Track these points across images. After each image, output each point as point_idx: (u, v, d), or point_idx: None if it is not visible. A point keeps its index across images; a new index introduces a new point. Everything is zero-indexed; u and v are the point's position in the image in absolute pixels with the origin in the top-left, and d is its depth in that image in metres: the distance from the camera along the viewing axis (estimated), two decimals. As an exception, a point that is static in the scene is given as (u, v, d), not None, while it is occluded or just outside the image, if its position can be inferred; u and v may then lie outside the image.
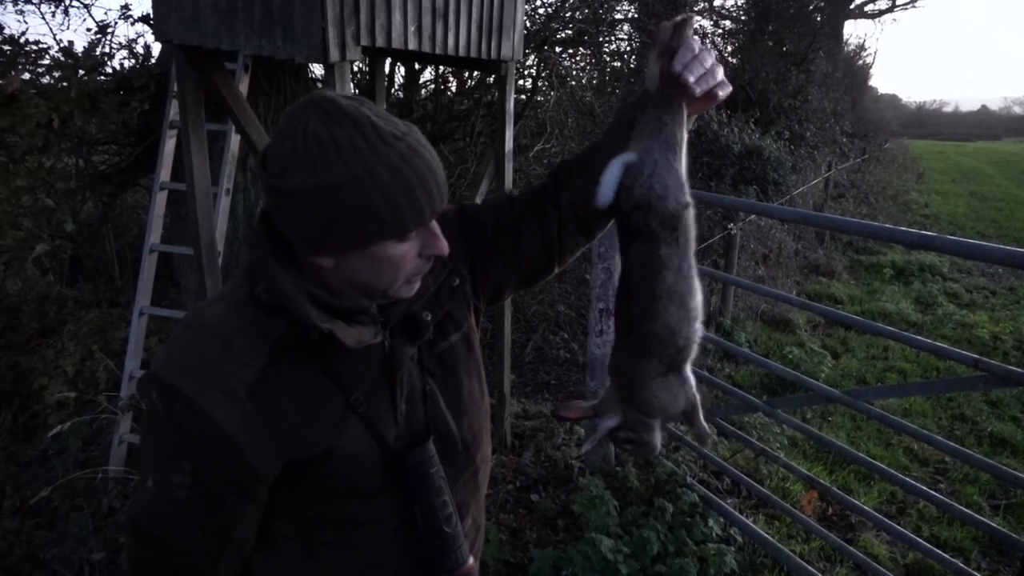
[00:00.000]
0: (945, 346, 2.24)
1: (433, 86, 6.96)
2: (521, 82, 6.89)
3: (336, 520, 1.11)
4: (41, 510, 3.17)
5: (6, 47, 3.70)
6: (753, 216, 7.06)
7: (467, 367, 1.23)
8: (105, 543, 2.98)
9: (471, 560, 1.17)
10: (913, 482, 2.48)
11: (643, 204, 1.08)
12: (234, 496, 1.02)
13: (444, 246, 1.04)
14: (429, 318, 1.13)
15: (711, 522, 3.05)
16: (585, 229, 1.30)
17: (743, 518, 3.06)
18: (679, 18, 1.09)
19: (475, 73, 6.58)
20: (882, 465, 2.58)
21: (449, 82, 6.97)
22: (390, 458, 1.09)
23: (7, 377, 4.06)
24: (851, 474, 3.91)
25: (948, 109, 70.54)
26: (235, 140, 3.71)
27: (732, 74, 11.83)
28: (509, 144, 3.86)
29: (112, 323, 4.08)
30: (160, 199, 3.84)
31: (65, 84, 3.69)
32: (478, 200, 4.21)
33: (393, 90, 6.43)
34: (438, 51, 2.90)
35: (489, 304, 1.36)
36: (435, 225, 1.03)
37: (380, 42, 2.60)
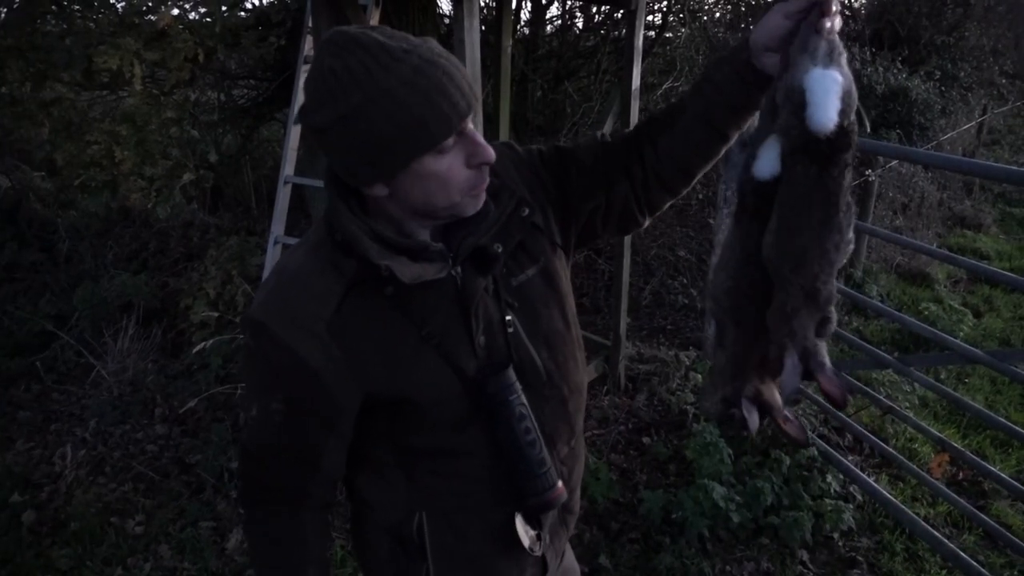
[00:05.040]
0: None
1: (560, 22, 6.82)
2: (650, 17, 6.63)
3: (430, 450, 1.16)
4: (187, 419, 3.46)
5: (157, -17, 3.87)
6: (895, 162, 6.60)
7: (546, 299, 1.21)
8: (243, 453, 3.22)
9: (560, 484, 1.18)
10: (1060, 452, 2.31)
11: (850, 131, 0.97)
12: (318, 427, 1.10)
13: (490, 153, 1.02)
14: (500, 250, 1.11)
15: (829, 478, 2.96)
16: (669, 187, 1.27)
17: (864, 476, 2.96)
18: None
19: (603, 8, 6.39)
20: (1025, 432, 2.41)
21: (576, 18, 6.81)
22: (469, 388, 1.11)
23: (158, 296, 4.40)
24: (987, 439, 3.68)
25: None
26: (365, 75, 3.76)
27: (880, 8, 10.97)
28: (636, 82, 3.74)
29: (249, 250, 4.32)
30: (294, 132, 3.96)
31: (209, 19, 3.84)
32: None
33: (519, 26, 6.35)
34: (568, -17, 2.83)
35: (579, 246, 1.34)
36: (473, 133, 1.01)
37: (510, -26, 2.56)
